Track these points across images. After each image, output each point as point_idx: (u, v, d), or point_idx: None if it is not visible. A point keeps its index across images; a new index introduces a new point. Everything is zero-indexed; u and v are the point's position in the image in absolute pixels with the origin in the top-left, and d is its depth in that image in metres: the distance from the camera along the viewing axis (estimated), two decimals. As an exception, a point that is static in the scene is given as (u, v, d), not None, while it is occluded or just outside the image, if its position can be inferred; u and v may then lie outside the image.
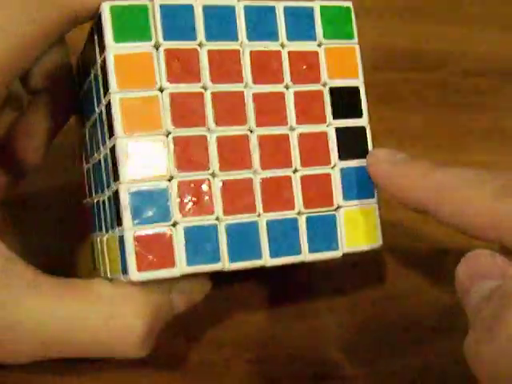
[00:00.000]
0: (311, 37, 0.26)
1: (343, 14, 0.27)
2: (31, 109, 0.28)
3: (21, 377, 0.26)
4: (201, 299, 0.27)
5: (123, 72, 0.24)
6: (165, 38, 0.24)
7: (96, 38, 0.25)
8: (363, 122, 0.27)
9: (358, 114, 0.27)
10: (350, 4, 0.27)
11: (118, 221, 0.24)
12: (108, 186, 0.25)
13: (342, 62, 0.27)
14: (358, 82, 0.27)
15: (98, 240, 0.28)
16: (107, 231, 0.26)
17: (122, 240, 0.24)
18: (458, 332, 0.21)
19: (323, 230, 0.26)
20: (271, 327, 0.30)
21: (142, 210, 0.24)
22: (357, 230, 0.26)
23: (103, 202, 0.26)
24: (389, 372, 0.28)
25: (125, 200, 0.23)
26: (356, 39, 0.27)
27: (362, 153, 0.27)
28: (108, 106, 0.24)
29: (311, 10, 0.27)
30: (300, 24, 0.26)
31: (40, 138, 0.28)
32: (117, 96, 0.24)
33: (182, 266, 0.24)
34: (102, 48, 0.24)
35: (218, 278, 0.26)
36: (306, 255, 0.26)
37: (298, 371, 0.29)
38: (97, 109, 0.26)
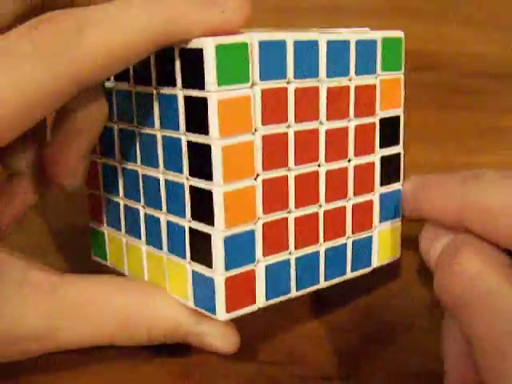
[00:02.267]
0: (373, 70, 0.27)
1: (396, 44, 0.28)
2: None
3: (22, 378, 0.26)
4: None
5: (225, 117, 0.23)
6: (261, 79, 0.24)
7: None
8: (399, 148, 0.29)
9: (397, 141, 0.29)
10: (402, 34, 0.28)
11: (195, 256, 0.25)
12: (176, 213, 0.25)
13: (389, 93, 0.28)
14: (400, 111, 0.29)
15: (124, 241, 0.28)
16: (171, 253, 0.26)
17: (203, 279, 0.24)
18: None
19: (363, 250, 0.28)
20: (272, 327, 0.31)
21: (233, 254, 0.24)
22: (385, 245, 0.29)
23: (155, 219, 0.26)
24: (392, 372, 0.29)
25: (219, 246, 0.24)
26: (403, 69, 0.28)
27: (396, 177, 0.29)
28: (201, 148, 0.23)
29: (374, 42, 0.27)
30: (364, 57, 0.27)
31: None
32: (219, 143, 0.23)
33: (261, 300, 0.25)
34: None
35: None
36: (348, 274, 0.28)
37: (299, 372, 0.29)
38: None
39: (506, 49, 0.34)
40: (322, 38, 0.25)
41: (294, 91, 0.25)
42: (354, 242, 0.28)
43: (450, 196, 0.26)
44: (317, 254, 0.27)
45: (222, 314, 0.24)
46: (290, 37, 0.24)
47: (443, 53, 0.33)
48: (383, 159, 0.28)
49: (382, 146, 0.28)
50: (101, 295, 0.26)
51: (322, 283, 0.27)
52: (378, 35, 0.27)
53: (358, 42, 0.26)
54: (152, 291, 0.27)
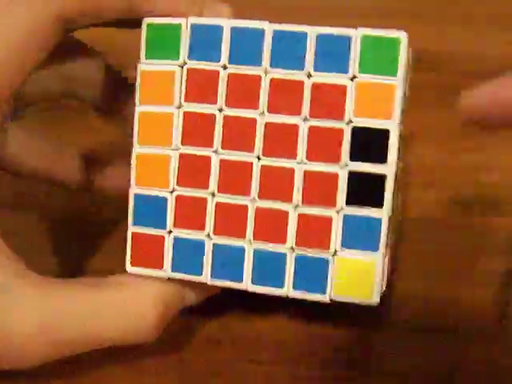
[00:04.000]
0: (343, 69, 0.24)
1: (390, 45, 0.24)
2: None
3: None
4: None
5: (147, 88, 0.26)
6: (189, 58, 0.26)
7: None
8: (385, 169, 0.24)
9: (382, 159, 0.24)
10: (400, 35, 0.24)
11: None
12: None
13: (373, 100, 0.24)
14: (390, 124, 0.24)
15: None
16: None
17: None
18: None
19: (312, 272, 0.25)
20: (272, 327, 0.30)
21: (141, 213, 0.26)
22: (350, 279, 0.25)
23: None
24: (392, 372, 0.28)
25: (130, 202, 0.26)
26: (399, 76, 0.24)
27: (376, 203, 0.25)
28: None
29: (348, 39, 0.24)
30: (333, 53, 0.24)
31: None
32: (138, 109, 0.26)
33: (168, 270, 0.26)
34: None
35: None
36: (289, 291, 0.25)
37: (299, 372, 0.29)
38: None
39: (506, 49, 0.34)
40: (271, 27, 0.25)
41: (228, 76, 0.25)
42: (297, 258, 0.25)
43: None
44: (241, 249, 0.26)
45: (128, 265, 0.27)
46: (228, 23, 0.25)
47: (443, 53, 0.32)
48: (354, 175, 0.25)
49: (353, 158, 0.25)
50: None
51: (249, 285, 0.26)
52: (357, 32, 0.24)
53: (319, 36, 0.25)
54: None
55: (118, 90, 0.30)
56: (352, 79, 0.24)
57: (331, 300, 0.25)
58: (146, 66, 0.26)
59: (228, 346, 0.30)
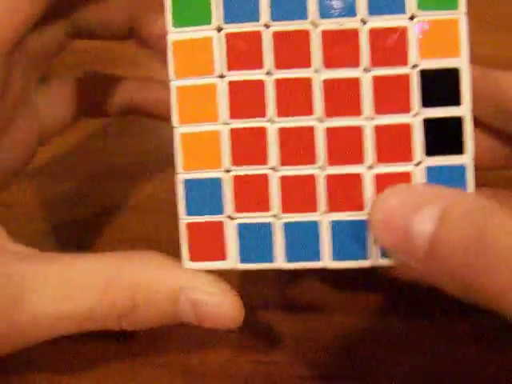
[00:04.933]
0: (399, 8, 0.22)
1: (448, -24, 0.22)
2: None
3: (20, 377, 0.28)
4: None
5: (181, 59, 0.23)
6: (225, 21, 0.23)
7: None
8: (461, 110, 0.23)
9: (457, 100, 0.23)
10: None
11: None
12: None
13: (438, 38, 0.22)
14: (459, 61, 0.22)
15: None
16: None
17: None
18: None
19: None
20: (272, 327, 0.30)
21: (195, 200, 0.23)
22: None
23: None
24: (392, 372, 0.28)
25: (180, 190, 0.23)
26: (463, 9, 0.22)
27: (455, 149, 0.23)
28: None
29: None
30: None
31: None
32: (174, 84, 0.23)
33: (234, 261, 0.23)
34: None
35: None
36: (373, 260, 0.23)
37: (299, 372, 0.28)
38: None
39: (506, 49, 0.34)
40: None
41: (272, 35, 0.23)
42: (380, 223, 0.23)
43: None
44: (315, 224, 0.23)
45: (186, 261, 0.24)
46: None
47: None
48: (430, 122, 0.23)
49: (426, 104, 0.23)
50: (79, 263, 0.23)
51: (328, 262, 0.23)
52: None
53: None
54: (136, 254, 0.24)
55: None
56: (411, 18, 0.22)
57: None
58: (176, 34, 0.23)
59: (228, 345, 0.29)
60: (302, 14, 0.23)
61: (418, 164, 0.23)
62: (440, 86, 0.22)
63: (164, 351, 0.29)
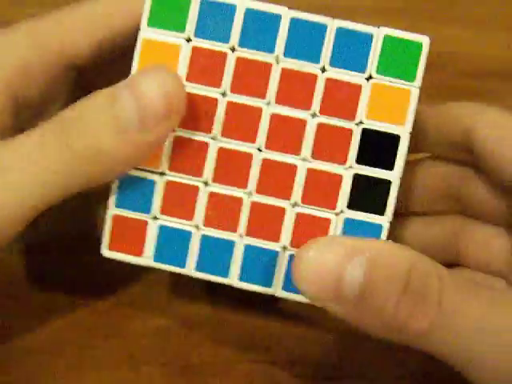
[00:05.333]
0: (360, 68, 0.23)
1: (412, 49, 0.23)
2: None
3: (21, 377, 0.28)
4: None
5: (147, 57, 0.24)
6: (196, 35, 0.24)
7: None
8: (392, 176, 0.24)
9: (389, 165, 0.24)
10: (423, 40, 0.23)
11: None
12: None
13: (387, 104, 0.23)
14: (402, 130, 0.24)
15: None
16: None
17: None
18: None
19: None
20: (272, 327, 0.30)
21: (126, 195, 0.24)
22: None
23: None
24: (392, 372, 0.28)
25: (114, 183, 0.24)
26: (417, 82, 0.23)
27: (376, 209, 0.24)
28: None
29: (370, 36, 0.23)
30: (351, 50, 0.23)
31: None
32: None
33: (149, 258, 0.25)
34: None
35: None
36: (277, 290, 0.25)
37: (299, 372, 0.29)
38: None
39: (506, 49, 0.34)
40: (288, 14, 0.23)
41: (236, 59, 0.24)
42: (292, 257, 0.24)
43: None
44: (231, 243, 0.24)
45: (105, 249, 0.25)
46: (243, 3, 0.23)
47: (443, 53, 0.31)
48: (359, 178, 0.24)
49: (360, 161, 0.24)
50: None
51: (234, 280, 0.25)
52: (379, 31, 0.23)
53: (339, 30, 0.23)
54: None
55: None
56: (368, 79, 0.23)
57: None
58: (148, 34, 0.24)
59: (228, 346, 0.29)
60: (269, 48, 0.23)
61: (338, 214, 0.24)
62: (378, 148, 0.24)
63: (164, 351, 0.29)
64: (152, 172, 0.24)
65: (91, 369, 0.29)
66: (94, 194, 0.29)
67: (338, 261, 0.21)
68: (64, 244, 0.32)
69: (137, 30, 0.24)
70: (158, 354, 0.29)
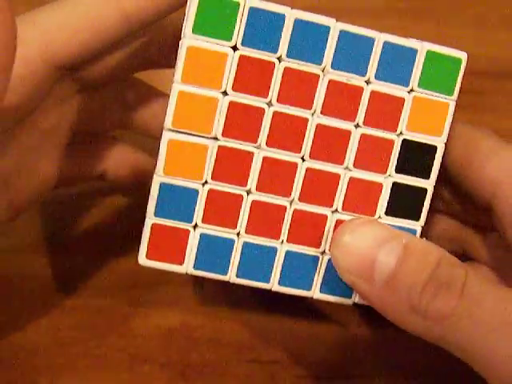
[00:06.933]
0: (404, 81, 0.24)
1: (451, 64, 0.24)
2: None
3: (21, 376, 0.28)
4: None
5: (192, 65, 0.23)
6: (243, 43, 0.23)
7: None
8: (428, 184, 0.25)
9: (426, 174, 0.25)
10: (462, 56, 0.24)
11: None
12: None
13: (427, 116, 0.24)
14: (439, 141, 0.25)
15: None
16: None
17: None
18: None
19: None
20: (272, 327, 0.30)
21: (167, 203, 0.24)
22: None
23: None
24: (392, 372, 0.29)
25: (154, 190, 0.24)
26: (455, 96, 0.24)
27: (412, 215, 0.25)
28: None
29: (414, 51, 0.24)
30: (396, 64, 0.24)
31: None
32: (177, 87, 0.23)
33: (189, 266, 0.25)
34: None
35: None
36: (315, 293, 0.25)
37: (299, 372, 0.29)
38: None
39: (506, 49, 0.34)
40: (337, 26, 0.23)
41: (283, 70, 0.24)
42: (330, 261, 0.25)
43: None
44: (273, 250, 0.25)
45: (142, 257, 0.25)
46: (292, 13, 0.23)
47: None
48: (397, 186, 0.25)
49: (399, 171, 0.25)
50: None
51: (275, 286, 0.25)
52: (423, 46, 0.24)
53: (386, 44, 0.24)
54: None
55: None
56: (409, 92, 0.24)
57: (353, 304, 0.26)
58: (193, 41, 0.23)
59: (228, 346, 0.29)
60: (317, 60, 0.24)
61: (377, 219, 0.25)
62: (416, 158, 0.25)
63: (164, 351, 0.29)
64: (194, 182, 0.24)
65: (91, 369, 0.29)
66: (88, 192, 0.28)
67: (376, 240, 0.23)
68: (64, 243, 0.32)
69: (128, 24, 0.24)
70: (158, 354, 0.29)
